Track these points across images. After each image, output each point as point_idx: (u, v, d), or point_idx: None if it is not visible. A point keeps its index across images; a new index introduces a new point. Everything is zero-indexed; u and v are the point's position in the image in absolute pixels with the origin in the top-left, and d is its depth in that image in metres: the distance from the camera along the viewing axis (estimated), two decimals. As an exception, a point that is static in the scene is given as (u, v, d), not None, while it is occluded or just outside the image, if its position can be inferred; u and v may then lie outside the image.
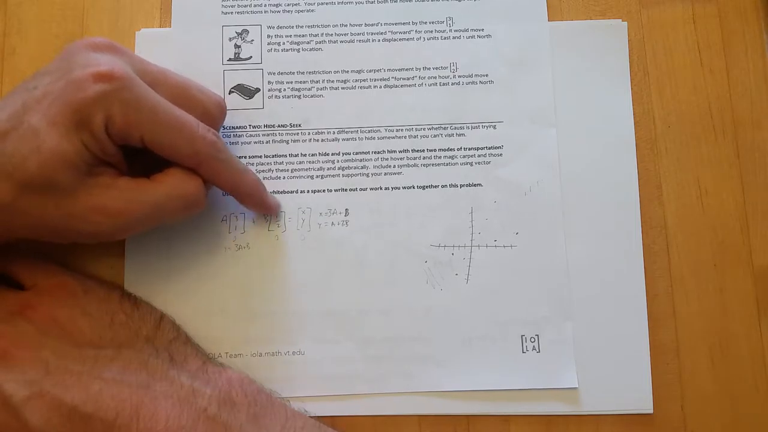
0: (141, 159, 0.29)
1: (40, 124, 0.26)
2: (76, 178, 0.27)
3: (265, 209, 0.33)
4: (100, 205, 0.27)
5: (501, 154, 0.34)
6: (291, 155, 0.34)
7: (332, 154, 0.34)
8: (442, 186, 0.34)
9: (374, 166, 0.34)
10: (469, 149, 0.34)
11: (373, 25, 0.35)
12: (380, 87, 0.35)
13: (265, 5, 0.36)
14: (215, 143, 0.29)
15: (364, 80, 0.35)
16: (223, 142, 0.30)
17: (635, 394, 0.32)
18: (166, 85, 0.29)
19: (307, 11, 0.35)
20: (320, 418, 0.30)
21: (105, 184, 0.28)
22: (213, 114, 0.31)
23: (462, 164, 0.34)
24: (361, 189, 0.34)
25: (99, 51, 0.28)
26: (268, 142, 0.34)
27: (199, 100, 0.30)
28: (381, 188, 0.34)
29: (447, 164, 0.34)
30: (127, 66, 0.28)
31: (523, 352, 0.32)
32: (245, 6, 0.35)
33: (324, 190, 0.34)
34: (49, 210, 0.26)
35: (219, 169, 0.30)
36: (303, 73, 0.35)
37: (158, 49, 0.35)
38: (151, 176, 0.29)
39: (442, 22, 0.36)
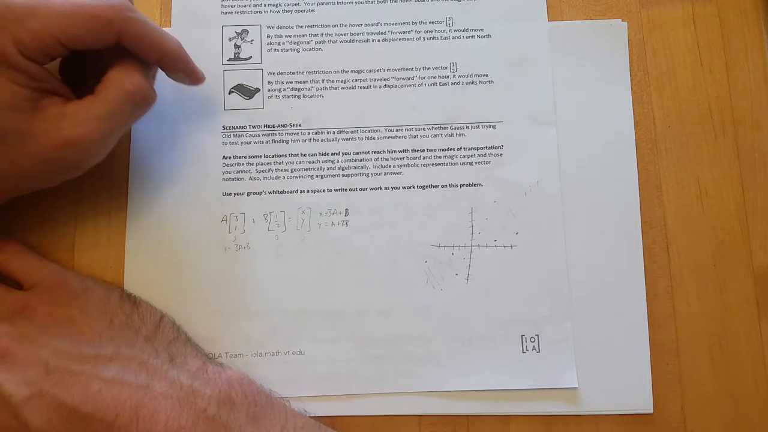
0: (81, 80, 0.29)
1: None
2: (23, 119, 0.26)
3: (194, 75, 0.32)
4: (59, 138, 0.27)
5: (501, 154, 0.34)
6: (291, 155, 0.34)
7: (332, 154, 0.34)
8: (442, 186, 0.34)
9: (374, 166, 0.34)
10: (469, 149, 0.34)
11: (373, 25, 0.35)
12: (380, 87, 0.35)
13: (265, 5, 0.36)
14: (125, 3, 0.28)
15: (364, 80, 0.35)
16: (133, 6, 0.29)
17: (635, 394, 0.32)
18: None
19: (307, 11, 0.35)
20: (320, 418, 0.30)
21: (55, 115, 0.27)
22: None
23: (462, 164, 0.34)
24: (361, 189, 0.34)
25: None
26: (268, 142, 0.34)
27: None
28: (381, 188, 0.34)
29: (447, 164, 0.34)
30: None
31: (523, 352, 0.32)
32: (245, 6, 0.35)
33: (324, 190, 0.34)
34: (14, 160, 0.26)
35: (140, 30, 0.28)
36: (303, 73, 0.35)
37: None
38: (95, 90, 0.28)
39: (442, 22, 0.36)
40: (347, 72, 0.35)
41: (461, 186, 0.34)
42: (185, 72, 0.32)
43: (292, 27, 0.35)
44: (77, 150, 0.27)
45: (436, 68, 0.35)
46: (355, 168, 0.34)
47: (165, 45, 0.30)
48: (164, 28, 0.35)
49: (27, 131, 0.26)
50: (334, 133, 0.34)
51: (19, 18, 0.26)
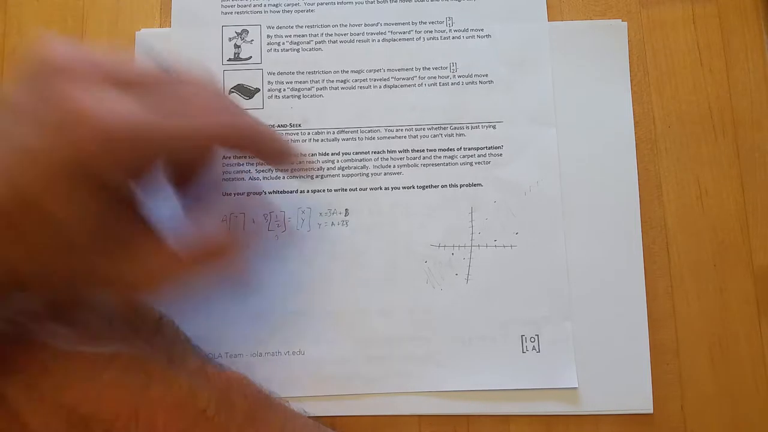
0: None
1: (37, 195, 0.22)
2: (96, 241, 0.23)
3: (290, 156, 0.29)
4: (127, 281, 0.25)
5: (501, 154, 0.34)
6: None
7: (332, 154, 0.34)
8: (442, 186, 0.34)
9: (374, 166, 0.34)
10: (469, 149, 0.34)
11: (373, 25, 0.35)
12: (380, 87, 0.35)
13: (265, 5, 0.36)
14: (233, 105, 0.26)
15: (364, 80, 0.35)
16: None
17: (635, 394, 0.32)
18: (145, 87, 0.25)
19: (307, 11, 0.35)
20: (320, 418, 0.30)
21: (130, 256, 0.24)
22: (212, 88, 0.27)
23: (462, 164, 0.34)
24: (361, 189, 0.34)
25: (66, 76, 0.22)
26: (267, 142, 0.34)
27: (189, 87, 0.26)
28: (381, 188, 0.34)
29: (447, 164, 0.34)
30: (103, 92, 0.23)
31: (523, 352, 0.32)
32: (245, 6, 0.35)
33: (324, 190, 0.34)
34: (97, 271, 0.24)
35: (248, 128, 0.26)
36: (303, 73, 0.35)
37: (158, 49, 0.35)
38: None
39: (442, 22, 0.36)
40: (347, 72, 0.35)
41: (461, 186, 0.34)
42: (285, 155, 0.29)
43: (292, 27, 0.35)
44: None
45: (436, 68, 0.35)
46: (355, 168, 0.34)
47: (270, 140, 0.28)
48: (164, 28, 0.35)
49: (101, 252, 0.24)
50: (334, 133, 0.34)
51: (125, 138, 0.22)
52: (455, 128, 0.34)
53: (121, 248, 0.24)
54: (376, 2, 0.36)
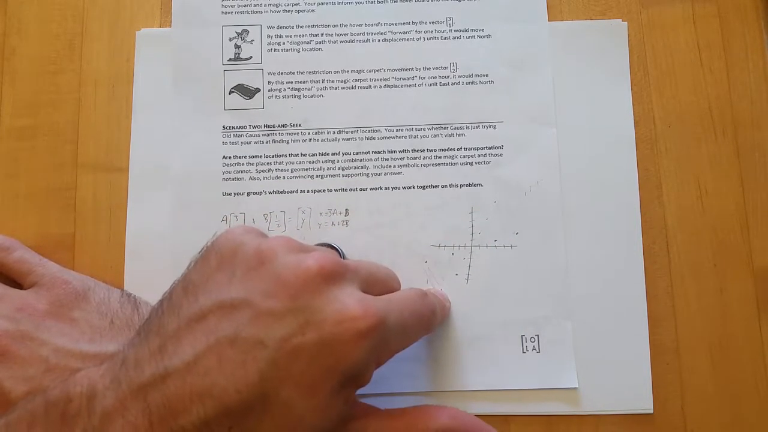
0: None
1: (293, 397, 0.22)
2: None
3: None
4: None
5: (501, 154, 0.34)
6: (291, 155, 0.34)
7: (332, 154, 0.34)
8: (442, 186, 0.34)
9: (374, 166, 0.34)
10: (469, 149, 0.34)
11: (373, 25, 0.35)
12: (380, 87, 0.35)
13: (265, 5, 0.36)
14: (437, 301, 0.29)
15: (364, 80, 0.35)
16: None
17: (635, 394, 0.32)
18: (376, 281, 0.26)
19: (307, 11, 0.35)
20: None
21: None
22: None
23: (462, 164, 0.34)
24: (361, 189, 0.34)
25: (331, 280, 0.23)
26: (268, 142, 0.34)
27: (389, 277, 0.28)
28: (381, 188, 0.34)
29: (447, 164, 0.34)
30: (360, 294, 0.23)
31: (523, 352, 0.32)
32: (245, 6, 0.35)
33: (324, 190, 0.34)
34: None
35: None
36: (303, 73, 0.35)
37: (158, 49, 0.35)
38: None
39: (442, 22, 0.36)
40: (347, 72, 0.35)
41: (461, 186, 0.34)
42: None
43: (292, 27, 0.35)
44: None
45: (436, 68, 0.35)
46: (355, 168, 0.34)
47: None
48: (164, 28, 0.35)
49: None
50: (334, 133, 0.34)
51: (385, 342, 0.24)
52: (455, 128, 0.35)
53: (346, 425, 0.25)
54: (376, 2, 0.36)
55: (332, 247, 0.28)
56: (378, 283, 0.26)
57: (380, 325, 0.22)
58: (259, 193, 0.34)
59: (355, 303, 0.22)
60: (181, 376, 0.21)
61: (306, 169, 0.34)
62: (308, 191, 0.34)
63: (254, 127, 0.34)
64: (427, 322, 0.27)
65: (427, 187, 0.34)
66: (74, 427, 0.21)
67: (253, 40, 0.35)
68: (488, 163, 0.34)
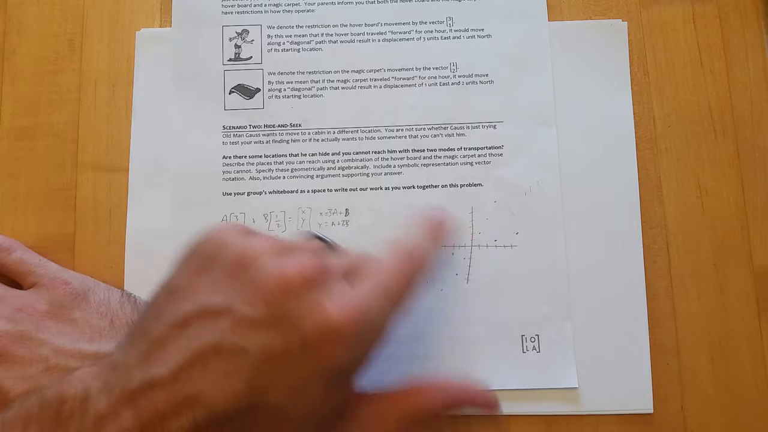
0: None
1: (281, 401, 0.22)
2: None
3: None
4: None
5: (501, 154, 0.34)
6: (291, 155, 0.34)
7: (332, 154, 0.34)
8: (443, 186, 0.34)
9: (374, 166, 0.34)
10: (469, 149, 0.34)
11: (373, 25, 0.35)
12: (380, 87, 0.35)
13: (265, 5, 0.36)
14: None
15: (364, 80, 0.35)
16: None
17: (635, 394, 0.32)
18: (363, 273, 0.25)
19: (307, 11, 0.35)
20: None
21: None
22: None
23: (462, 164, 0.34)
24: (361, 189, 0.34)
25: (311, 285, 0.23)
26: (268, 142, 0.34)
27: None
28: (381, 188, 0.34)
29: (447, 164, 0.34)
30: (341, 291, 0.23)
31: (523, 352, 0.32)
32: (245, 6, 0.35)
33: (324, 190, 0.34)
34: None
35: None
36: (303, 73, 0.35)
37: (158, 49, 0.35)
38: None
39: (442, 22, 0.36)
40: (347, 72, 0.35)
41: (461, 186, 0.34)
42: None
43: (292, 27, 0.35)
44: None
45: (436, 68, 0.35)
46: (355, 168, 0.34)
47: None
48: (164, 28, 0.35)
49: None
50: (334, 133, 0.34)
51: (368, 340, 0.24)
52: (455, 128, 0.35)
53: (338, 418, 0.25)
54: (376, 2, 0.36)
55: (320, 239, 0.28)
56: (362, 272, 0.26)
57: (360, 321, 0.22)
58: (259, 193, 0.34)
59: (333, 305, 0.22)
60: (168, 384, 0.21)
61: (306, 169, 0.34)
62: (308, 191, 0.34)
63: (254, 127, 0.34)
64: (417, 284, 0.26)
65: (427, 187, 0.34)
66: (68, 427, 0.22)
67: (253, 40, 0.35)
68: (488, 163, 0.34)
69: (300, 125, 0.34)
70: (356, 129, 0.34)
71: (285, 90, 0.35)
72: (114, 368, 0.23)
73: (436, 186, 0.34)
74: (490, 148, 0.34)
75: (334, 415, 0.25)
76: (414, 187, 0.34)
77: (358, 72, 0.35)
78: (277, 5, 0.36)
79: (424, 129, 0.34)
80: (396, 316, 0.25)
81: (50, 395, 0.22)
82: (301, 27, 0.35)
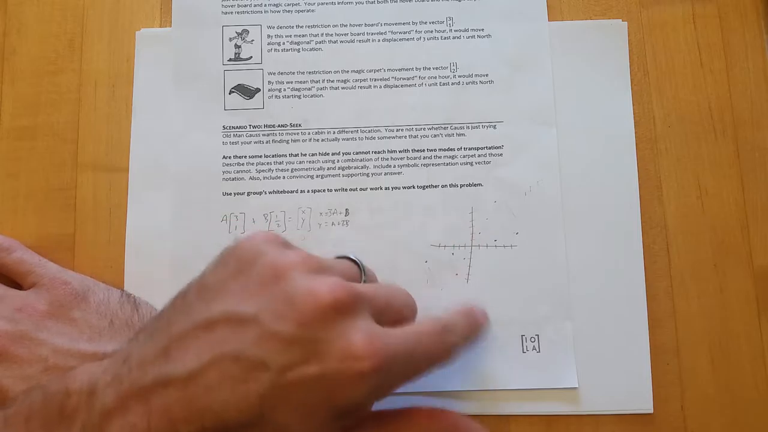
0: None
1: (288, 422, 0.22)
2: None
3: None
4: None
5: (501, 154, 0.34)
6: (291, 155, 0.34)
7: (332, 154, 0.34)
8: (443, 186, 0.34)
9: (374, 166, 0.34)
10: (469, 149, 0.34)
11: (373, 25, 0.35)
12: (380, 87, 0.35)
13: (265, 5, 0.36)
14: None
15: (364, 80, 0.35)
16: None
17: (635, 394, 0.32)
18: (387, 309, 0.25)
19: (307, 11, 0.35)
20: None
21: None
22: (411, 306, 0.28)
23: (462, 164, 0.34)
24: (361, 189, 0.34)
25: (342, 312, 0.22)
26: (268, 142, 0.34)
27: (403, 301, 0.27)
28: (381, 188, 0.34)
29: (447, 164, 0.34)
30: (370, 327, 0.23)
31: (523, 352, 0.32)
32: (245, 6, 0.35)
33: (324, 190, 0.34)
34: None
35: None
36: (303, 73, 0.35)
37: (158, 49, 0.35)
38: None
39: (442, 22, 0.36)
40: (347, 72, 0.35)
41: (461, 186, 0.34)
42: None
43: (292, 27, 0.35)
44: None
45: (436, 68, 0.35)
46: (355, 168, 0.34)
47: None
48: (164, 28, 0.35)
49: None
50: (334, 133, 0.34)
51: (391, 373, 0.23)
52: (455, 128, 0.35)
53: None
54: (376, 2, 0.36)
55: (352, 260, 0.28)
56: (393, 311, 0.26)
57: (384, 365, 0.22)
58: (259, 193, 0.34)
59: (362, 340, 0.22)
60: (184, 385, 0.21)
61: (306, 169, 0.34)
62: (308, 191, 0.34)
63: (254, 127, 0.34)
64: (441, 361, 0.26)
65: (427, 187, 0.34)
66: (72, 422, 0.21)
67: (253, 40, 0.35)
68: (488, 163, 0.34)
69: (300, 125, 0.34)
70: (356, 129, 0.34)
71: (285, 90, 0.35)
72: (126, 362, 0.22)
73: (436, 186, 0.34)
74: (490, 148, 0.34)
75: None
76: (414, 187, 0.34)
77: (358, 72, 0.35)
78: (277, 5, 0.36)
79: (424, 129, 0.34)
80: (413, 376, 0.24)
81: (53, 389, 0.22)
82: (301, 27, 0.35)
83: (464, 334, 0.27)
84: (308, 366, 0.21)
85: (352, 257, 0.28)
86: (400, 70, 0.35)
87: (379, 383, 0.22)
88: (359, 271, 0.27)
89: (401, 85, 0.35)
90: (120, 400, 0.21)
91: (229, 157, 0.34)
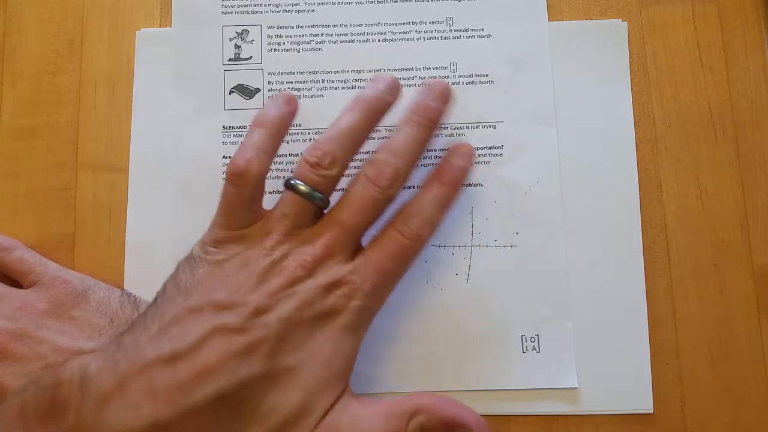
0: None
1: (299, 362, 0.24)
2: None
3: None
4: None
5: (501, 154, 0.34)
6: (291, 155, 0.34)
7: (332, 154, 0.34)
8: (442, 186, 0.34)
9: (374, 166, 0.34)
10: (469, 149, 0.34)
11: (373, 25, 0.35)
12: (380, 87, 0.35)
13: (265, 5, 0.36)
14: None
15: (364, 80, 0.35)
16: None
17: (635, 394, 0.32)
18: None
19: (307, 11, 0.36)
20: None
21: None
22: None
23: (462, 164, 0.34)
24: (361, 189, 0.34)
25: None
26: (268, 142, 0.34)
27: None
28: (381, 188, 0.34)
29: (447, 164, 0.34)
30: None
31: (523, 352, 0.32)
32: (245, 6, 0.35)
33: (324, 190, 0.34)
34: None
35: None
36: (303, 73, 0.35)
37: (158, 49, 0.35)
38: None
39: (442, 22, 0.36)
40: (347, 72, 0.35)
41: (461, 186, 0.34)
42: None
43: (292, 27, 0.35)
44: None
45: (436, 68, 0.35)
46: (355, 168, 0.34)
47: None
48: (164, 28, 0.35)
49: None
50: (334, 133, 0.34)
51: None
52: (455, 128, 0.34)
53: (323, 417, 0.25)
54: (376, 2, 0.36)
55: (298, 192, 0.29)
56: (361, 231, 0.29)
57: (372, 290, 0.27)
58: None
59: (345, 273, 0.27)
60: (191, 355, 0.22)
61: (306, 169, 0.34)
62: (308, 191, 0.34)
63: (254, 127, 0.34)
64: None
65: (427, 187, 0.34)
66: (66, 410, 0.22)
67: (253, 40, 0.35)
68: (488, 163, 0.34)
69: (300, 125, 0.34)
70: (356, 129, 0.34)
71: (285, 90, 0.35)
72: (120, 347, 0.23)
73: (436, 186, 0.34)
74: (490, 148, 0.34)
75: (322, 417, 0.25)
76: (414, 188, 0.34)
77: (358, 72, 0.35)
78: (277, 5, 0.36)
79: (424, 129, 0.34)
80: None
81: (45, 382, 0.23)
82: (301, 27, 0.35)
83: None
84: (302, 312, 0.25)
85: (299, 185, 0.28)
86: (400, 70, 0.35)
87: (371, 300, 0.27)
88: (310, 204, 0.29)
89: (401, 85, 0.35)
90: (118, 382, 0.22)
91: (229, 157, 0.34)
